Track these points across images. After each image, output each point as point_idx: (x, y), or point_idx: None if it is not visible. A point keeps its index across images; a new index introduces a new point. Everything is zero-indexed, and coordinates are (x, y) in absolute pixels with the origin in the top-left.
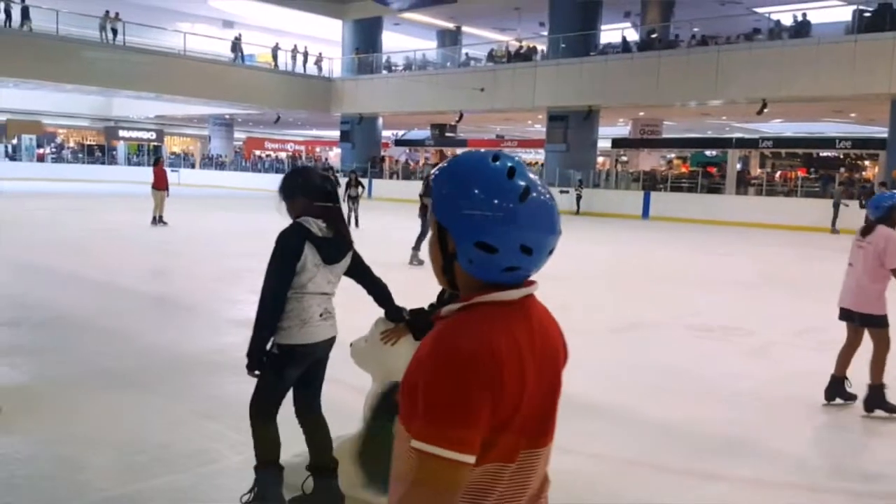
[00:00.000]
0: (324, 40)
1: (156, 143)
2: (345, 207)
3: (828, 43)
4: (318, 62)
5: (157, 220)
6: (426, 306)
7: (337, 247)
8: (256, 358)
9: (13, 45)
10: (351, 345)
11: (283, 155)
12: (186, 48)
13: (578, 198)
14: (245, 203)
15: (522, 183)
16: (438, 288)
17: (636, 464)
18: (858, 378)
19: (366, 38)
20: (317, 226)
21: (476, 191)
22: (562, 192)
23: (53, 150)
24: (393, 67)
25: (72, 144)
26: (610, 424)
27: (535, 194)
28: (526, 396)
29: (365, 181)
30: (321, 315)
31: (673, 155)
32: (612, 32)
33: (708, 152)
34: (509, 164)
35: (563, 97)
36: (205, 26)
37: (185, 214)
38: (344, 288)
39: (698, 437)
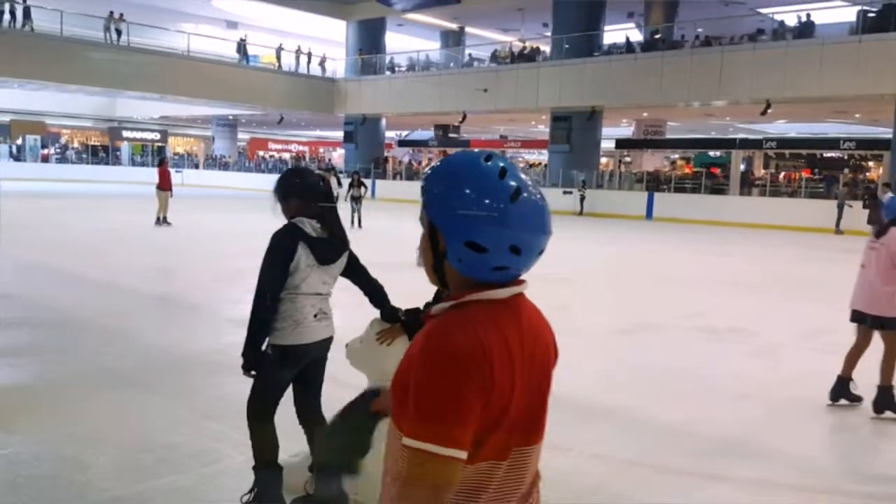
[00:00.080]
0: (327, 41)
1: (159, 144)
2: (348, 208)
3: (832, 43)
4: (322, 63)
5: (162, 220)
6: (422, 306)
7: (331, 247)
8: (250, 358)
9: (17, 45)
10: (346, 345)
11: (286, 156)
12: (190, 49)
13: (582, 199)
14: (248, 203)
15: (513, 183)
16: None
17: (639, 464)
18: (865, 379)
19: (369, 39)
20: (311, 226)
21: (467, 191)
22: (565, 192)
23: (57, 150)
24: (396, 68)
25: (76, 145)
26: (613, 425)
27: (525, 195)
28: (516, 394)
29: (368, 182)
30: (315, 316)
31: (676, 156)
32: (615, 33)
33: (711, 153)
34: (501, 165)
35: (566, 98)
36: (208, 27)
37: (188, 215)
38: (345, 288)
39: (702, 438)
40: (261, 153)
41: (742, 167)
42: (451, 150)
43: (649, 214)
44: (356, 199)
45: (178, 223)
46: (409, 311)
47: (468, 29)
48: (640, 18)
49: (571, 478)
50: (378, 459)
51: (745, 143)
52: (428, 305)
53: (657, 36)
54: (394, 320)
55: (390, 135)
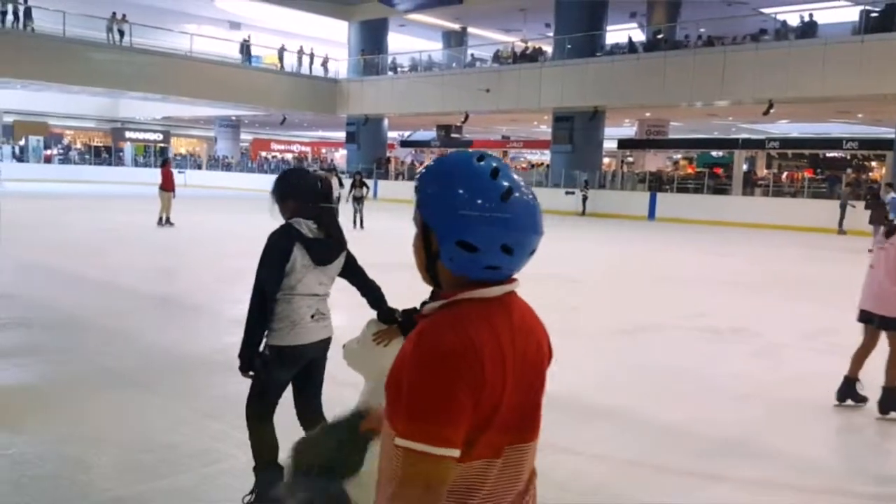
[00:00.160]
0: (330, 42)
1: (162, 145)
2: (350, 209)
3: (834, 43)
4: (325, 63)
5: (165, 221)
6: (418, 306)
7: (328, 248)
8: (247, 359)
9: (21, 46)
10: (343, 346)
11: (289, 156)
12: (193, 50)
13: (584, 199)
14: (250, 204)
15: (505, 183)
16: None
17: (640, 465)
18: (870, 380)
19: (371, 40)
20: (307, 227)
21: (459, 190)
22: (567, 192)
23: (60, 151)
24: (399, 69)
25: (78, 146)
26: (614, 425)
27: (517, 195)
28: (508, 392)
29: (370, 182)
30: (313, 316)
31: (679, 156)
32: (617, 33)
33: (714, 153)
34: (493, 165)
35: (568, 98)
36: (211, 28)
37: (191, 215)
38: (344, 289)
39: (702, 438)
40: (263, 154)
41: (745, 167)
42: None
43: (652, 215)
44: (358, 200)
45: (180, 224)
46: (405, 312)
47: (470, 29)
48: (642, 18)
49: (572, 478)
50: (372, 461)
51: (748, 143)
52: (424, 305)
53: (660, 36)
54: (390, 321)
55: (392, 135)
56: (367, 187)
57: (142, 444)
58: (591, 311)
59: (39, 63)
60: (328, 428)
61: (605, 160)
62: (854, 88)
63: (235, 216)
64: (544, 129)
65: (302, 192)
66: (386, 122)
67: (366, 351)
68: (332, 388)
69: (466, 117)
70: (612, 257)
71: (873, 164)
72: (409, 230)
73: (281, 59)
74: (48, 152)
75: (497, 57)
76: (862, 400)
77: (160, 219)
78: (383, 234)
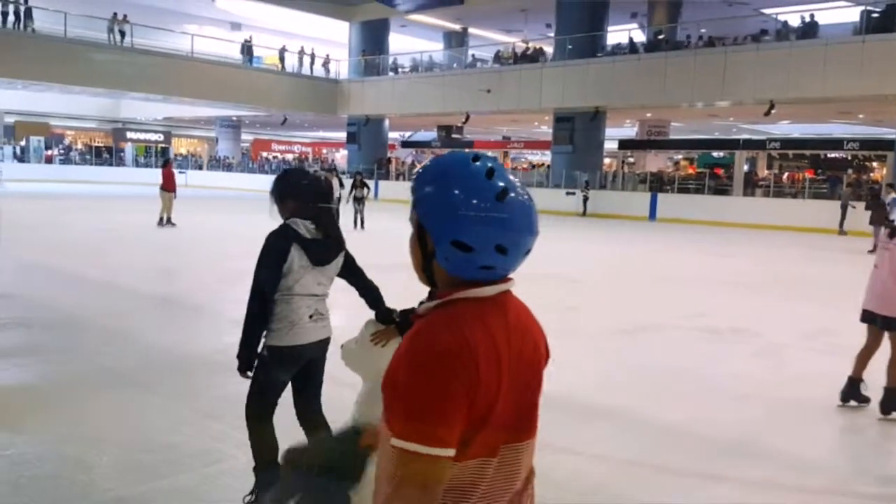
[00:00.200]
0: (331, 42)
1: (163, 145)
2: (351, 209)
3: (835, 44)
4: (326, 64)
5: (166, 221)
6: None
7: (326, 248)
8: (245, 359)
9: (22, 47)
10: (342, 346)
11: (289, 156)
12: (194, 50)
13: (585, 199)
14: (252, 204)
15: (500, 184)
16: None
17: (640, 465)
18: (872, 381)
19: (372, 40)
20: (305, 227)
21: (454, 190)
22: (568, 193)
23: (61, 151)
24: (399, 69)
25: (80, 146)
26: (614, 425)
27: (513, 195)
28: (503, 391)
29: (371, 183)
30: (311, 316)
31: (680, 156)
32: (618, 34)
33: (715, 153)
34: (489, 165)
35: (569, 98)
36: (212, 28)
37: (192, 216)
38: (345, 289)
39: (705, 439)
40: (264, 154)
41: (745, 168)
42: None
43: (652, 215)
44: (359, 200)
45: (181, 224)
46: (403, 312)
47: (471, 30)
48: (643, 19)
49: (572, 478)
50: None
51: (749, 144)
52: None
53: (660, 36)
54: (388, 321)
55: (393, 136)
56: (368, 188)
57: (142, 445)
58: (591, 311)
59: (41, 63)
60: (325, 439)
61: (606, 161)
62: (855, 89)
63: (236, 216)
64: (545, 130)
65: (300, 192)
66: (387, 122)
67: (364, 351)
68: (332, 389)
69: (467, 118)
70: (612, 257)
71: (874, 164)
72: (410, 231)
73: (282, 59)
74: (49, 153)
75: (498, 57)
76: (865, 400)
77: (161, 219)
78: (384, 234)
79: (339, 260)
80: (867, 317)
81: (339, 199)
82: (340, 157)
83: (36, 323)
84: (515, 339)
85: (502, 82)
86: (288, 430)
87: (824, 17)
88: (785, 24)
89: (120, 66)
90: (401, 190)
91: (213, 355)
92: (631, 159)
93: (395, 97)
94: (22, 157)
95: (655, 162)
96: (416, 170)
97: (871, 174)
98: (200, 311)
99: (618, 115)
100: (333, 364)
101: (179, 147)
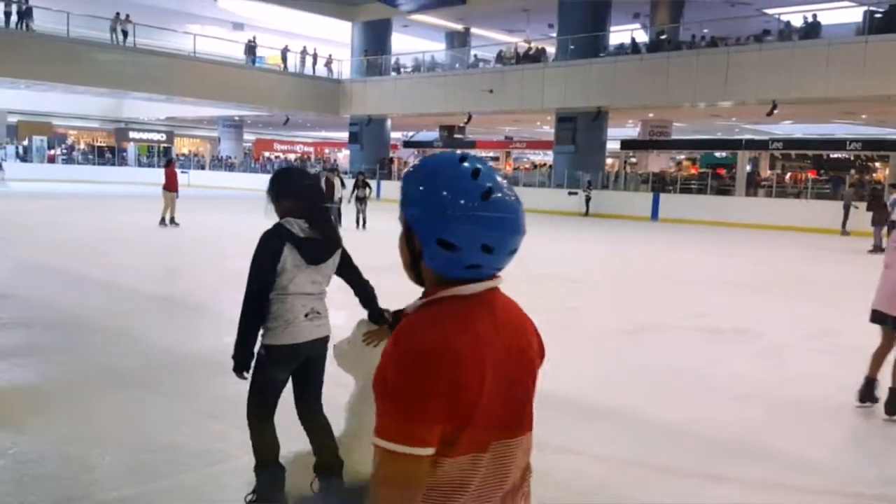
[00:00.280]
0: (333, 42)
1: (166, 145)
2: (352, 209)
3: (838, 44)
4: (329, 64)
5: (170, 221)
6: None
7: (320, 247)
8: (239, 359)
9: (25, 46)
10: (334, 346)
11: (291, 156)
12: (196, 50)
13: (587, 199)
14: (253, 204)
15: (485, 184)
16: None
17: (641, 465)
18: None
19: (375, 40)
20: (298, 226)
21: (439, 190)
22: (570, 193)
23: (64, 151)
24: (402, 69)
25: (82, 146)
26: (615, 425)
27: (498, 195)
28: (488, 388)
29: (373, 182)
30: (307, 315)
31: (682, 156)
32: (621, 34)
33: (717, 154)
34: (475, 166)
35: (571, 98)
36: (215, 28)
37: (194, 215)
38: (346, 289)
39: (707, 439)
40: (266, 154)
41: (748, 168)
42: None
43: (655, 215)
44: (361, 200)
45: (183, 224)
46: (395, 313)
47: (473, 30)
48: (645, 19)
49: (572, 478)
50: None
51: (751, 144)
52: None
53: (663, 36)
54: (380, 321)
55: (395, 136)
56: (370, 188)
57: (144, 444)
58: (592, 311)
59: (43, 63)
60: None
61: (608, 161)
62: (858, 89)
63: (238, 216)
64: (547, 130)
65: (295, 191)
66: (389, 122)
67: (356, 351)
68: (333, 389)
69: (469, 118)
70: (614, 257)
71: (877, 164)
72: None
73: (284, 59)
74: (52, 152)
75: (500, 57)
76: (874, 401)
77: (163, 219)
78: (385, 234)
79: (336, 258)
80: (878, 317)
81: (340, 199)
82: (343, 157)
83: (37, 323)
84: (504, 336)
85: (504, 82)
86: (288, 430)
87: (827, 18)
88: (788, 24)
89: (122, 65)
90: None
91: (215, 355)
92: (633, 159)
93: (397, 97)
94: (25, 157)
95: (658, 162)
96: (404, 170)
97: (874, 174)
98: (202, 311)
99: (620, 115)
100: (334, 364)
101: (182, 147)
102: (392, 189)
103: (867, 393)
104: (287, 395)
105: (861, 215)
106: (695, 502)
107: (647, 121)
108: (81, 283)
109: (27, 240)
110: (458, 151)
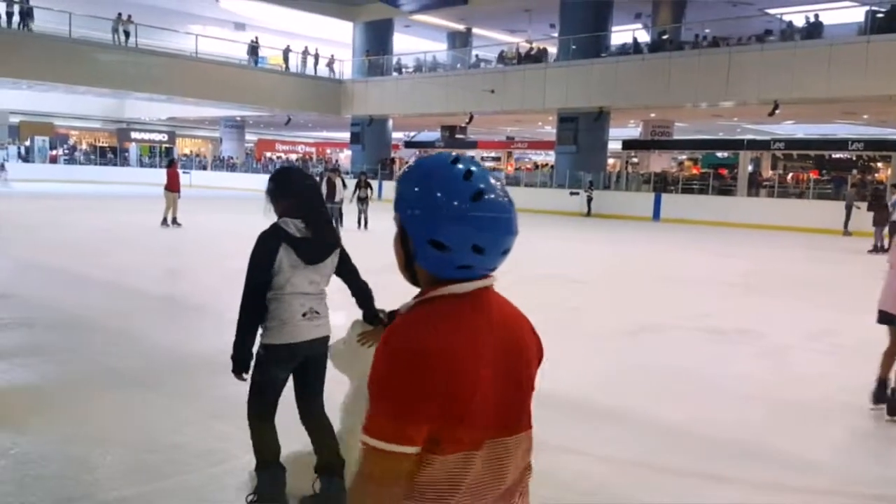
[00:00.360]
0: (334, 42)
1: (167, 145)
2: (354, 209)
3: (840, 44)
4: (330, 64)
5: (172, 221)
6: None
7: (317, 247)
8: (238, 360)
9: (26, 47)
10: (329, 346)
11: (293, 157)
12: (198, 51)
13: (589, 200)
14: (255, 204)
15: (476, 185)
16: None
17: (642, 465)
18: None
19: (376, 40)
20: (294, 226)
21: (431, 191)
22: (572, 193)
23: (66, 151)
24: (403, 69)
25: (84, 146)
26: (617, 426)
27: (490, 196)
28: (481, 388)
29: (375, 183)
30: (304, 315)
31: (684, 156)
32: (622, 34)
33: (719, 154)
34: (467, 167)
35: (573, 99)
36: (216, 29)
37: (195, 216)
38: (345, 288)
39: (707, 439)
40: (268, 154)
41: (750, 168)
42: (459, 152)
43: (656, 215)
44: (363, 201)
45: (185, 224)
46: (391, 313)
47: (475, 30)
48: (647, 19)
49: (572, 478)
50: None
51: (753, 144)
52: None
53: (665, 37)
54: (375, 322)
55: (397, 136)
56: (372, 188)
57: (146, 445)
58: (593, 312)
59: (45, 64)
60: None
61: (610, 161)
62: (860, 89)
63: (240, 216)
64: (549, 130)
65: (295, 191)
66: (390, 122)
67: (351, 352)
68: (334, 388)
69: (471, 118)
70: (615, 258)
71: (879, 165)
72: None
73: (286, 59)
74: (54, 152)
75: (502, 57)
76: (888, 401)
77: (164, 219)
78: (387, 234)
79: (335, 258)
80: (884, 318)
81: (342, 199)
82: (344, 157)
83: (39, 323)
84: (499, 335)
85: (506, 82)
86: (289, 430)
87: (829, 18)
88: (789, 24)
89: (124, 66)
90: None
91: (216, 355)
92: (635, 159)
93: (398, 97)
94: (26, 157)
95: (659, 162)
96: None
97: (876, 175)
98: (203, 311)
99: (622, 116)
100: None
101: (183, 147)
102: (394, 189)
103: (880, 394)
104: (288, 394)
105: (863, 215)
106: (695, 502)
107: (649, 121)
108: (83, 283)
109: (29, 240)
110: (453, 153)
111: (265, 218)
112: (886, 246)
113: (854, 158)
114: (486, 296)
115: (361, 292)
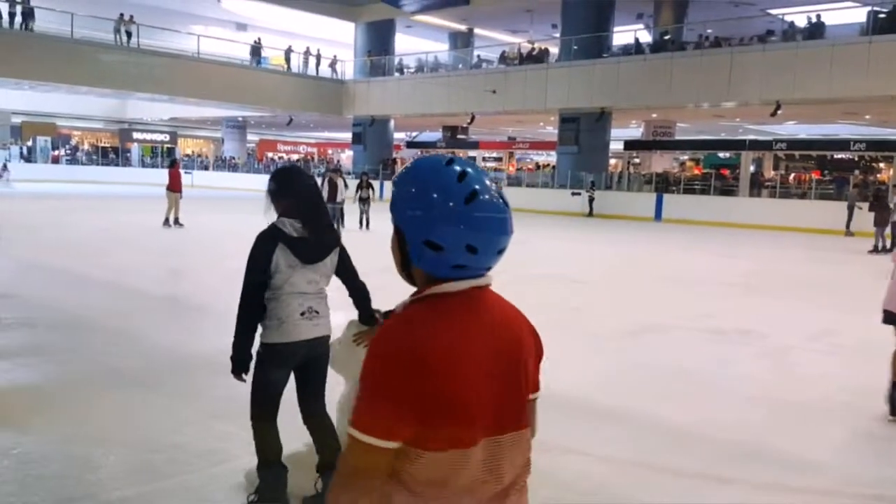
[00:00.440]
0: (336, 43)
1: (169, 146)
2: (356, 209)
3: (842, 44)
4: (332, 64)
5: (174, 221)
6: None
7: (315, 246)
8: (237, 361)
9: (28, 47)
10: None
11: (295, 157)
12: (200, 51)
13: (591, 200)
14: (256, 205)
15: (470, 186)
16: None
17: (643, 466)
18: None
19: (378, 41)
20: (292, 226)
21: (425, 192)
22: (574, 194)
23: (68, 151)
24: (405, 69)
25: (86, 146)
26: (618, 426)
27: (484, 197)
28: (473, 386)
29: (376, 183)
30: (303, 314)
31: (686, 157)
32: (624, 34)
33: (721, 154)
34: (461, 169)
35: (575, 99)
36: (218, 29)
37: (197, 216)
38: (343, 288)
39: (709, 440)
40: (270, 154)
41: (752, 168)
42: (460, 152)
43: (658, 216)
44: (364, 201)
45: (186, 224)
46: (387, 314)
47: (477, 30)
48: (649, 19)
49: (573, 478)
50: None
51: (755, 145)
52: None
53: (666, 37)
54: (370, 323)
55: (399, 136)
56: (374, 188)
57: (147, 444)
58: (595, 312)
59: (48, 64)
60: None
61: (612, 161)
62: (862, 90)
63: (241, 217)
64: (550, 131)
65: (295, 190)
66: (392, 122)
67: (346, 352)
68: (335, 388)
69: (472, 118)
70: (617, 258)
71: (881, 165)
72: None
73: (287, 60)
74: (56, 153)
75: (503, 58)
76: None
77: (166, 219)
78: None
79: (334, 258)
80: (889, 318)
81: (343, 200)
82: (346, 157)
83: (40, 323)
84: (494, 333)
85: (507, 83)
86: (291, 429)
87: (831, 18)
88: (791, 24)
89: (126, 66)
90: None
91: (217, 355)
92: (636, 160)
93: (400, 98)
94: (29, 158)
95: (661, 162)
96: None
97: (878, 175)
98: (204, 311)
99: (623, 116)
100: None
101: (185, 147)
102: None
103: (894, 397)
104: (290, 394)
105: (865, 216)
106: (695, 503)
107: (651, 121)
108: (84, 283)
109: (30, 240)
110: (447, 154)
111: (266, 218)
112: (888, 246)
113: (856, 159)
114: (481, 295)
115: (358, 293)
